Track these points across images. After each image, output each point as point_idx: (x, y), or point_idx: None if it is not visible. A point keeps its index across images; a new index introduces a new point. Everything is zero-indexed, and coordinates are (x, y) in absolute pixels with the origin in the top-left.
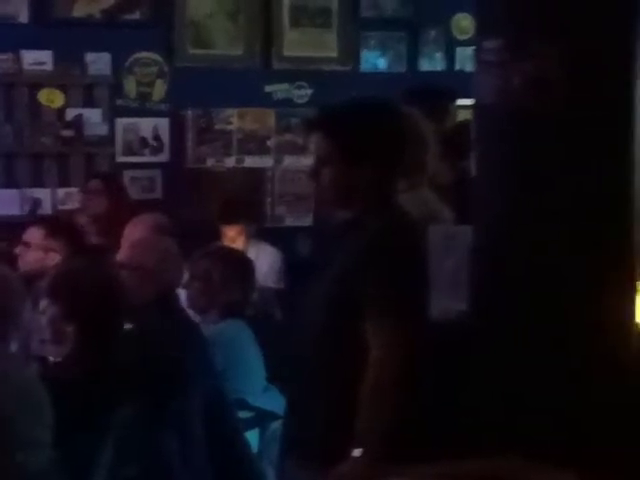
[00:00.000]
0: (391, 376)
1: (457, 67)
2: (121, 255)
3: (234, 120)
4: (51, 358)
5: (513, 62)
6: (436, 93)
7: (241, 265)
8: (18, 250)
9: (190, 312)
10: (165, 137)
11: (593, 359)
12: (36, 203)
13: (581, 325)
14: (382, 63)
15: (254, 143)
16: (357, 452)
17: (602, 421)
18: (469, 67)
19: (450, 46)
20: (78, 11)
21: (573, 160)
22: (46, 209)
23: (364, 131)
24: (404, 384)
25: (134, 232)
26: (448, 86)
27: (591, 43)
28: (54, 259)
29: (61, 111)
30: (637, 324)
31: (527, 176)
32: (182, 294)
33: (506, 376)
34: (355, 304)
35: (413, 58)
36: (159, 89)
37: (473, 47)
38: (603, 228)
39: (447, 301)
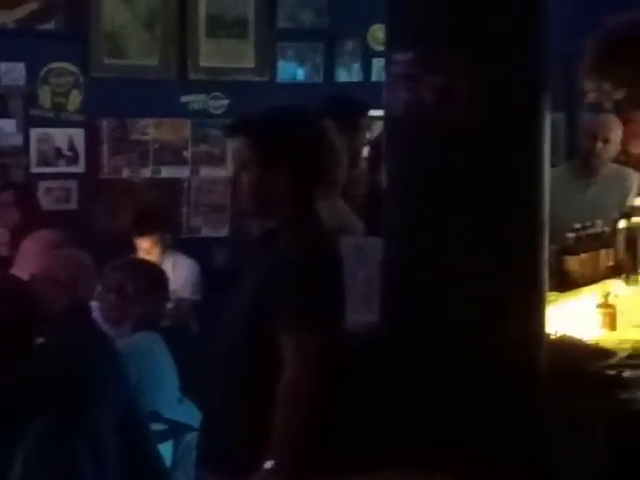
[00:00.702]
0: (305, 389)
1: (374, 78)
2: (24, 269)
3: (150, 131)
4: None
5: (422, 75)
6: (349, 105)
7: (154, 277)
8: None
9: (104, 325)
10: (80, 147)
11: (504, 369)
12: None
13: (491, 336)
14: (300, 74)
15: (170, 154)
16: (269, 464)
17: (513, 431)
18: None
19: (367, 57)
20: None
21: (481, 172)
22: None
23: (281, 135)
24: (318, 397)
25: (29, 248)
26: (361, 98)
27: (498, 55)
28: None
29: None
30: (547, 334)
31: (436, 188)
32: (95, 307)
33: (417, 387)
34: (270, 316)
35: (330, 69)
36: (74, 99)
37: None
38: (513, 239)
39: (358, 312)
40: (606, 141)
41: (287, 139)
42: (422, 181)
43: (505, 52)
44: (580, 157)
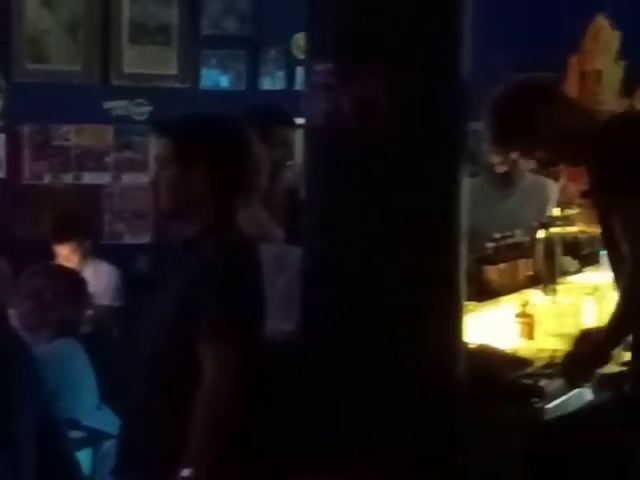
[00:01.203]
0: (223, 396)
1: (298, 86)
2: None
3: (72, 136)
4: None
5: (341, 85)
6: (275, 116)
7: (73, 283)
8: None
9: (21, 332)
10: (1, 153)
11: (422, 378)
12: None
13: (409, 344)
14: (224, 81)
15: (92, 160)
16: (186, 472)
17: (431, 438)
18: None
19: (291, 65)
20: None
21: (399, 182)
22: None
23: (200, 136)
24: (236, 405)
25: None
26: (285, 109)
27: (417, 66)
28: None
29: None
30: (465, 343)
31: (354, 197)
32: (13, 313)
33: (335, 396)
34: (191, 323)
35: (254, 76)
36: None
37: None
38: (430, 249)
39: (276, 321)
40: None
41: (205, 140)
42: (341, 190)
43: (423, 63)
44: (498, 167)
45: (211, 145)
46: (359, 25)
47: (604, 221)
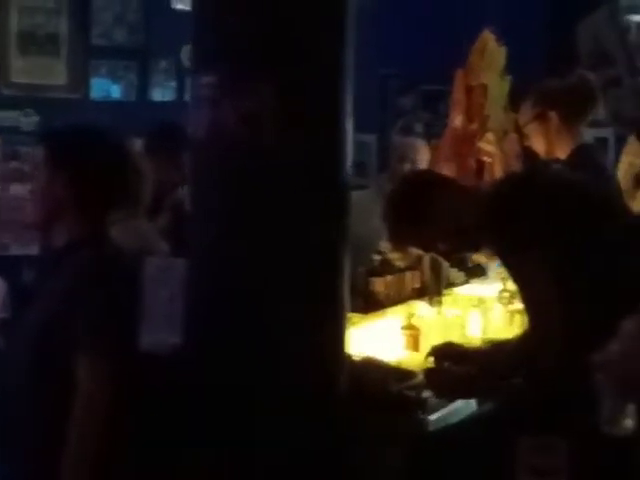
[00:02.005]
0: (99, 409)
1: (188, 97)
2: None
3: None
4: None
5: (225, 98)
6: (175, 132)
7: None
8: None
9: None
10: None
11: (305, 390)
12: None
13: (292, 356)
14: (114, 91)
15: None
16: None
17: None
18: None
19: (181, 76)
20: None
21: (283, 193)
22: None
23: (68, 147)
24: (112, 417)
25: None
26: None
27: (301, 79)
28: None
29: None
30: (349, 355)
31: (238, 210)
32: None
33: (220, 408)
34: (63, 335)
35: (144, 87)
36: None
37: None
38: (313, 260)
39: (160, 333)
40: (412, 163)
41: (71, 152)
42: (225, 202)
43: (309, 77)
44: (389, 179)
45: (77, 157)
46: (243, 37)
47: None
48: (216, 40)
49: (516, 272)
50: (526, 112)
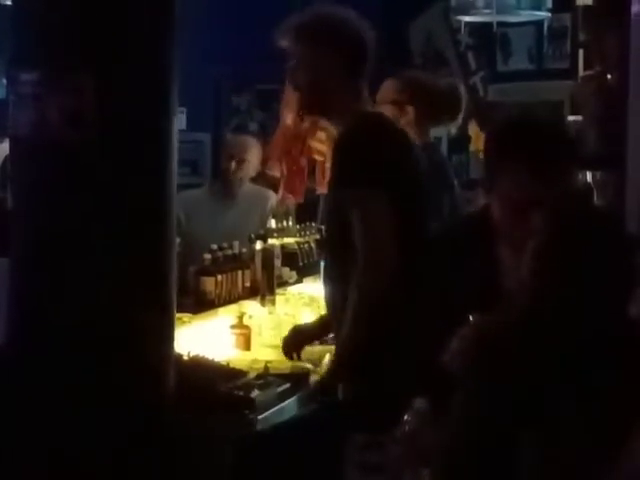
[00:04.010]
0: None
1: None
2: None
3: None
4: None
5: (49, 95)
6: None
7: None
8: None
9: None
10: None
11: (132, 390)
12: None
13: (120, 357)
14: None
15: None
16: None
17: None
18: None
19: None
20: None
21: (108, 193)
22: None
23: None
24: None
25: None
26: None
27: (126, 75)
28: None
29: None
30: (179, 355)
31: (62, 209)
32: None
33: (47, 407)
34: None
35: None
36: None
37: None
38: (139, 260)
39: None
40: (242, 161)
41: None
42: (47, 202)
43: (132, 72)
44: (219, 178)
45: None
46: (65, 31)
47: (335, 216)
48: (37, 35)
49: (353, 205)
50: (387, 92)
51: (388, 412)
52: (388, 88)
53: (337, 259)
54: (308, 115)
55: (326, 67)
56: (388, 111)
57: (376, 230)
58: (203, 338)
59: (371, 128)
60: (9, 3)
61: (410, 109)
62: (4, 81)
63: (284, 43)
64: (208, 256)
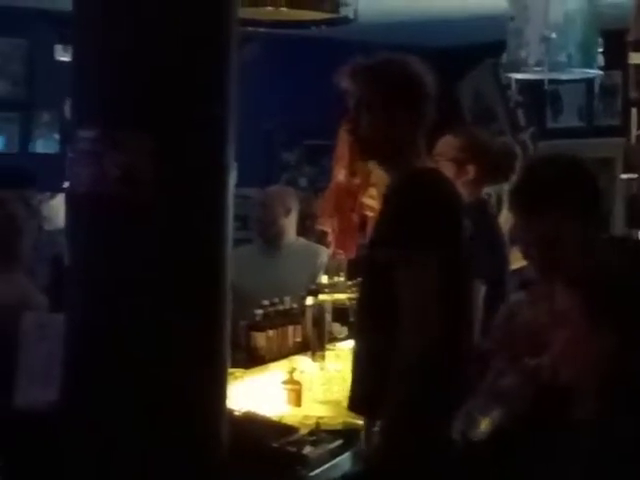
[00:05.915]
0: None
1: None
2: None
3: None
4: None
5: (106, 152)
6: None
7: None
8: None
9: None
10: None
11: (186, 445)
12: None
13: (173, 412)
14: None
15: None
16: None
17: None
18: None
19: (65, 128)
20: None
21: (165, 251)
22: None
23: None
24: None
25: None
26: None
27: (183, 136)
28: None
29: None
30: (231, 410)
31: (117, 267)
32: None
33: (94, 466)
34: None
35: (26, 139)
36: None
37: None
38: (193, 317)
39: (37, 390)
40: (287, 211)
41: None
42: (103, 259)
43: (189, 132)
44: (264, 231)
45: None
46: (124, 91)
47: (376, 272)
48: (97, 93)
49: (401, 265)
50: (447, 149)
51: None
52: (448, 145)
53: (370, 314)
54: (364, 160)
55: (395, 114)
56: (447, 168)
57: (424, 294)
58: (255, 393)
59: (428, 188)
60: (65, 59)
61: (471, 168)
62: (56, 136)
63: (348, 84)
64: (259, 311)
